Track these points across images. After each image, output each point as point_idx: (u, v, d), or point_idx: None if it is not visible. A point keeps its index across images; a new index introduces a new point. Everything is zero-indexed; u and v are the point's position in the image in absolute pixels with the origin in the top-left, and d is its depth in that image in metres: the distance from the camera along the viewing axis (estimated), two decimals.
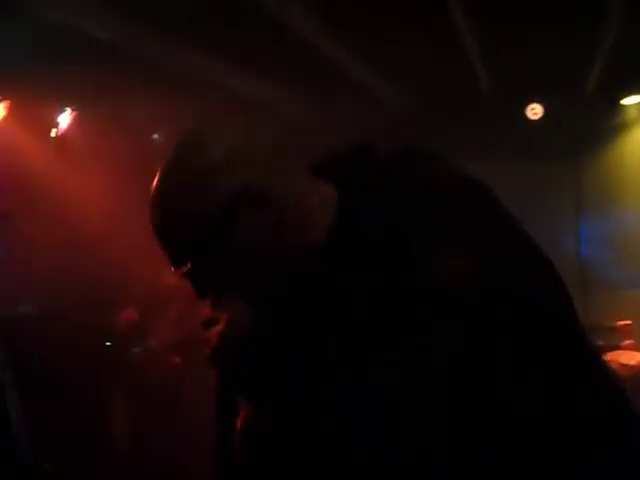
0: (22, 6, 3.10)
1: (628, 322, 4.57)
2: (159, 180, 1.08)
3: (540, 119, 5.12)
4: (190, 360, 3.81)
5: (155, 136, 4.56)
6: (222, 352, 1.05)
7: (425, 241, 1.02)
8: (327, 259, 1.08)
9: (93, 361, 3.67)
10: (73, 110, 3.86)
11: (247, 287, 1.09)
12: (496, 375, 0.97)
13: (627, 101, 5.21)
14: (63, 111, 3.87)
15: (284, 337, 1.05)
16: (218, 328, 1.05)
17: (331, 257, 1.08)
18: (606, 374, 1.10)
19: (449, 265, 0.98)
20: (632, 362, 3.90)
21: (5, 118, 3.53)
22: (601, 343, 4.27)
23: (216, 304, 1.09)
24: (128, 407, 3.98)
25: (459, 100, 5.08)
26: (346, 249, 1.07)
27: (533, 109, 5.19)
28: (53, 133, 3.82)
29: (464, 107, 5.12)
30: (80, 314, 3.75)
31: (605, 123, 5.34)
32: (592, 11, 3.88)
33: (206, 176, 1.04)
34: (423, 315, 0.98)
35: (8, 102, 3.57)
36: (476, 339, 0.96)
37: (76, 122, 3.86)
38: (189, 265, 1.07)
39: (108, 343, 4.11)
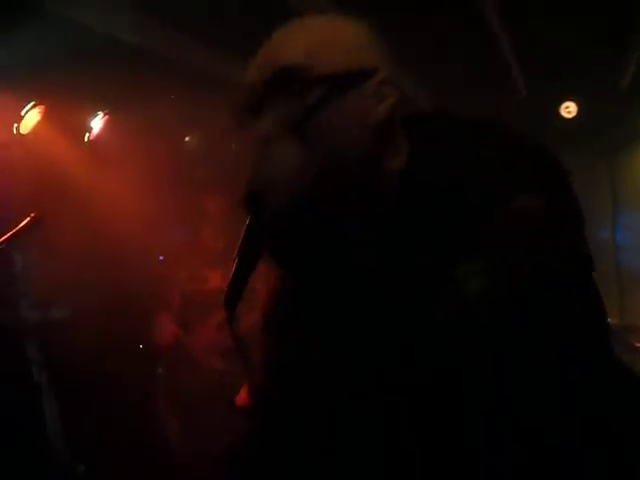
0: (53, 9, 3.13)
1: None
2: None
3: (575, 117, 5.07)
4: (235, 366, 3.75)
5: (187, 139, 4.58)
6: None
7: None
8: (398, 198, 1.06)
9: (127, 365, 3.68)
10: (105, 114, 3.89)
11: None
12: None
13: None
14: (95, 115, 3.90)
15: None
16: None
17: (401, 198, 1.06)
18: None
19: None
20: None
21: (40, 123, 3.56)
22: (638, 344, 4.21)
23: None
24: (169, 413, 3.96)
25: (495, 99, 5.04)
26: (413, 195, 1.05)
27: (567, 107, 5.15)
28: (86, 137, 3.85)
29: (500, 106, 5.08)
30: (114, 319, 3.77)
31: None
32: (626, 10, 3.84)
33: None
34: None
35: (42, 107, 3.60)
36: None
37: (108, 126, 3.89)
38: None
39: (141, 346, 4.13)
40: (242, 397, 1.26)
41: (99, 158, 3.80)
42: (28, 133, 3.52)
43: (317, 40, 1.07)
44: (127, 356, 3.76)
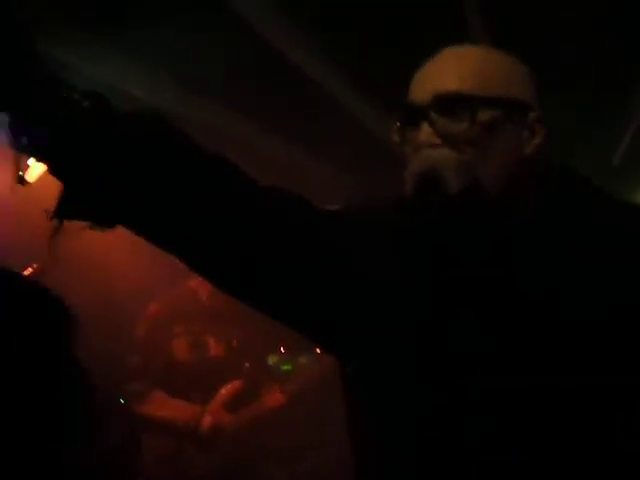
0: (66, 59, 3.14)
1: None
2: None
3: None
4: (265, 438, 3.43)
5: None
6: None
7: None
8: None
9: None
10: None
11: None
12: None
13: None
14: None
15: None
16: None
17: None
18: None
19: None
20: None
21: (46, 172, 3.52)
22: None
23: None
24: None
25: None
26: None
27: None
28: None
29: None
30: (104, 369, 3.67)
31: (632, 197, 5.37)
32: (616, 89, 3.94)
33: None
34: None
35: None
36: None
37: None
38: None
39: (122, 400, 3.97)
40: None
41: None
42: (34, 182, 3.48)
43: (482, 68, 1.20)
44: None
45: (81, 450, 1.35)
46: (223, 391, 3.42)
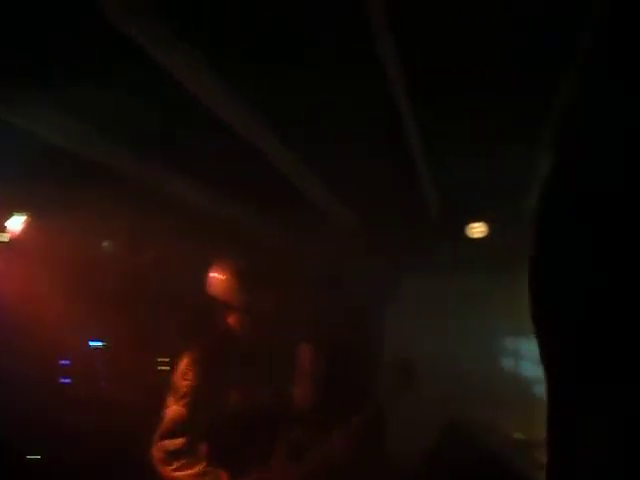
0: None
1: None
2: None
3: (484, 237, 5.28)
4: None
5: (105, 244, 4.52)
6: None
7: None
8: None
9: None
10: (26, 215, 3.81)
11: None
12: None
13: None
14: (14, 215, 3.82)
15: None
16: None
17: None
18: None
19: None
20: None
21: None
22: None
23: None
24: None
25: (408, 215, 5.24)
26: None
27: (476, 227, 5.35)
28: (3, 238, 3.75)
29: (412, 222, 5.28)
30: None
31: None
32: (532, 137, 4.10)
33: None
34: None
35: None
36: None
37: (28, 228, 3.80)
38: None
39: None
40: None
41: (18, 259, 3.70)
42: None
43: None
44: None
45: None
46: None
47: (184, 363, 3.08)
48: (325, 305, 4.23)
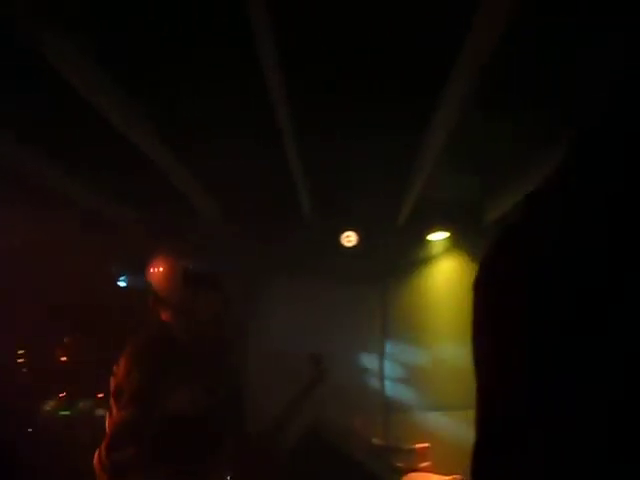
0: None
1: (425, 445, 4.77)
2: None
3: (355, 245, 5.40)
4: None
5: None
6: None
7: None
8: None
9: None
10: None
11: None
12: None
13: (433, 237, 5.66)
14: None
15: None
16: None
17: None
18: None
19: None
20: None
21: None
22: (400, 465, 4.43)
23: None
24: None
25: (283, 221, 5.30)
26: None
27: (348, 237, 5.47)
28: None
29: (287, 229, 5.35)
30: None
31: (412, 255, 5.76)
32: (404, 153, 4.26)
33: None
34: None
35: None
36: None
37: None
38: None
39: None
40: None
41: None
42: None
43: None
44: None
45: None
46: None
47: (125, 363, 2.80)
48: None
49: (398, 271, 5.95)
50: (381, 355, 6.22)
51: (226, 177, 4.49)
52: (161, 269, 2.96)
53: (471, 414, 1.00)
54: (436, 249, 5.72)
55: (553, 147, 4.08)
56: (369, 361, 6.18)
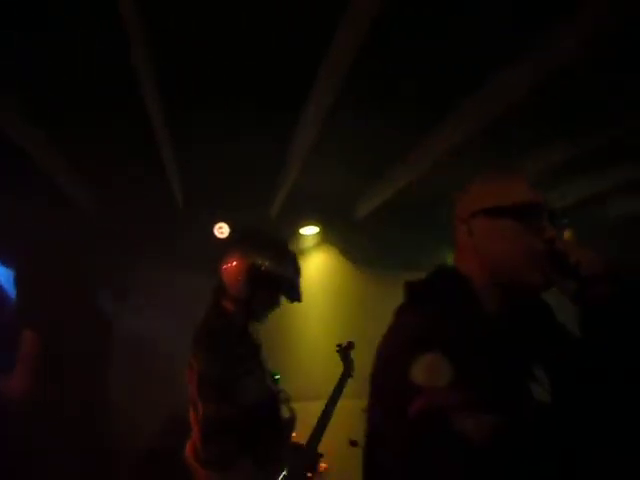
0: None
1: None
2: None
3: (227, 237, 5.43)
4: None
5: None
6: None
7: None
8: None
9: None
10: None
11: None
12: None
13: (304, 231, 5.79)
14: None
15: None
16: None
17: None
18: None
19: None
20: None
21: None
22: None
23: None
24: None
25: (157, 211, 5.27)
26: None
27: (220, 228, 5.49)
28: None
29: (161, 218, 5.32)
30: None
31: None
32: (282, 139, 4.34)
33: None
34: None
35: None
36: None
37: None
38: None
39: None
40: None
41: None
42: None
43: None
44: None
45: None
46: None
47: (202, 354, 2.76)
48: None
49: None
50: None
51: (96, 163, 4.42)
52: (234, 264, 2.98)
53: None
54: (307, 243, 5.86)
55: (425, 145, 4.29)
56: None
